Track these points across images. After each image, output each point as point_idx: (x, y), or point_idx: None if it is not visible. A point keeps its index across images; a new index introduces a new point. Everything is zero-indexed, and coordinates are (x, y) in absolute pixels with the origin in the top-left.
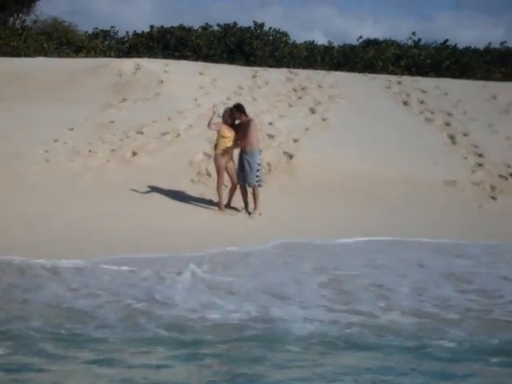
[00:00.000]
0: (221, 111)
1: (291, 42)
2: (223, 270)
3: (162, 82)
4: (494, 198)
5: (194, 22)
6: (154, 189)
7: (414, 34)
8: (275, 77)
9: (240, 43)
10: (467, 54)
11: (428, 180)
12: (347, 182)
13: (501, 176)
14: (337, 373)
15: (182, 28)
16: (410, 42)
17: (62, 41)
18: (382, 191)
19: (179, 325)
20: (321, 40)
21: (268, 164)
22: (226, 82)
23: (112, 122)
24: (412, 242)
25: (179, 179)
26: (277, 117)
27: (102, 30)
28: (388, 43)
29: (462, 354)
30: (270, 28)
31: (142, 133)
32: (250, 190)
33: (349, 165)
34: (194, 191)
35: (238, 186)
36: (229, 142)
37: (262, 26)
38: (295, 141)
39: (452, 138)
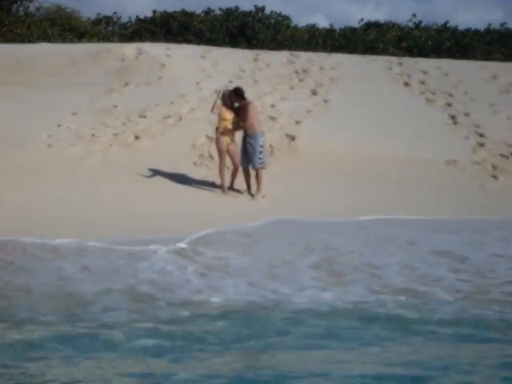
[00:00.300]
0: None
1: (293, 25)
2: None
3: (164, 65)
4: (495, 177)
5: (197, 7)
6: (157, 172)
7: (414, 15)
8: (277, 59)
9: (242, 27)
10: (468, 35)
11: (430, 160)
12: (349, 163)
13: (502, 155)
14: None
15: (184, 13)
16: (410, 24)
17: (66, 27)
18: (383, 171)
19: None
20: (322, 23)
21: (270, 146)
22: (228, 65)
23: (115, 106)
24: (411, 220)
25: (182, 162)
26: (278, 99)
27: (105, 16)
28: (389, 25)
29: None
30: (272, 11)
31: (145, 117)
32: (253, 173)
33: (350, 146)
34: (196, 174)
35: (241, 169)
36: (229, 125)
37: (263, 9)
38: (297, 123)
39: (453, 118)
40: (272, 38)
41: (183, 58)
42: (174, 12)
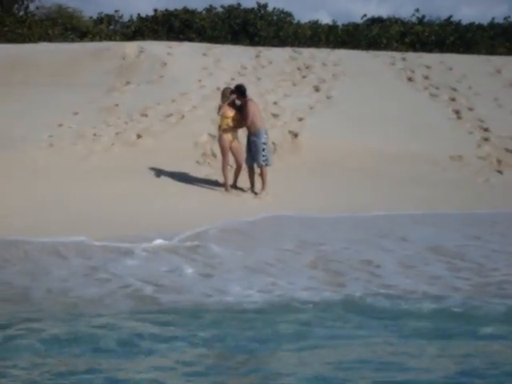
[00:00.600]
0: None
1: (295, 22)
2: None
3: (166, 64)
4: (499, 171)
5: (198, 5)
6: (160, 171)
7: (417, 10)
8: (279, 56)
9: (244, 24)
10: (471, 29)
11: (434, 155)
12: (352, 159)
13: (506, 150)
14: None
15: (186, 11)
16: (413, 19)
17: (67, 27)
18: (387, 167)
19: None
20: (325, 20)
21: (273, 143)
22: (230, 62)
23: (116, 105)
24: (415, 215)
25: (184, 161)
26: (281, 96)
27: (107, 15)
28: (392, 21)
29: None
30: (274, 8)
31: (147, 115)
32: (257, 170)
33: (354, 142)
34: (199, 172)
35: (246, 166)
36: (231, 122)
37: (265, 6)
38: (300, 119)
39: (457, 112)
40: (274, 35)
41: (184, 55)
42: (176, 10)
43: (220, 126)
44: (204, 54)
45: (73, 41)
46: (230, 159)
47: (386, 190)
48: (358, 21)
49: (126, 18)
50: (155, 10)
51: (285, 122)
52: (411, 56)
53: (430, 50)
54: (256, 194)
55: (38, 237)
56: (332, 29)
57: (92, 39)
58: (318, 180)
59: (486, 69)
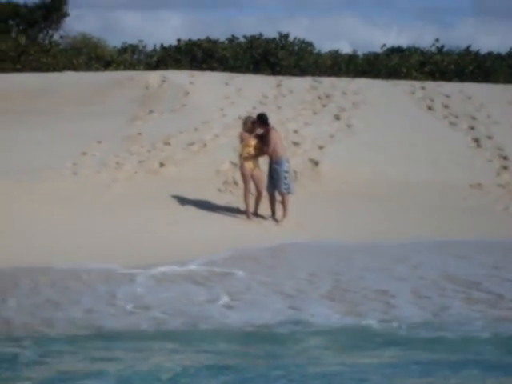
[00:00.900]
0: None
1: (316, 51)
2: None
3: (188, 93)
4: None
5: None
6: (182, 199)
7: (437, 40)
8: (299, 85)
9: (265, 54)
10: (490, 58)
11: (454, 184)
12: (373, 188)
13: None
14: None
15: (208, 40)
16: (433, 49)
17: (92, 56)
18: (407, 196)
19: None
20: (345, 49)
21: (294, 171)
22: (251, 91)
23: (139, 133)
24: (434, 243)
25: (206, 189)
26: (302, 124)
27: (131, 45)
28: (411, 50)
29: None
30: (295, 38)
31: (169, 144)
32: (278, 198)
33: (374, 170)
34: (221, 200)
35: (267, 194)
36: (252, 150)
37: (286, 36)
38: (320, 148)
39: (477, 141)
40: (295, 65)
41: (207, 84)
42: (199, 40)
43: (241, 155)
44: (226, 84)
45: (97, 70)
46: (252, 187)
47: (406, 218)
48: (378, 50)
49: (149, 48)
50: (178, 40)
51: (305, 150)
52: (431, 85)
53: (449, 79)
54: (277, 221)
55: (63, 264)
56: (352, 58)
57: (116, 68)
58: (339, 208)
59: (504, 97)
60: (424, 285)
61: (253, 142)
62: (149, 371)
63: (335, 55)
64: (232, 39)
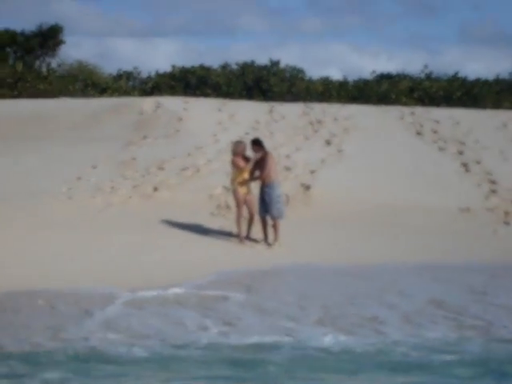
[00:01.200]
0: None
1: (307, 78)
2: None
3: (182, 119)
4: (507, 223)
5: (214, 62)
6: (176, 223)
7: (426, 67)
8: (291, 111)
9: (258, 80)
10: (477, 84)
11: (443, 208)
12: (363, 212)
13: None
14: None
15: (202, 67)
16: (422, 75)
17: (88, 82)
18: (397, 220)
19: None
20: (336, 75)
21: (286, 195)
22: (244, 117)
23: (134, 158)
24: (423, 267)
25: (199, 213)
26: (293, 149)
27: (126, 71)
28: (401, 76)
29: None
30: (287, 65)
31: (163, 168)
32: (270, 222)
33: (364, 194)
34: (214, 224)
35: (259, 218)
36: (245, 174)
37: (278, 63)
38: (312, 172)
39: (465, 165)
40: (287, 91)
41: (200, 110)
42: (192, 67)
43: (234, 180)
44: (219, 110)
45: (93, 96)
46: (244, 211)
47: (396, 242)
48: (368, 76)
49: (144, 75)
50: (173, 67)
51: (297, 174)
52: (420, 111)
53: (437, 105)
54: (269, 245)
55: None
56: (343, 85)
57: (111, 95)
58: (330, 232)
59: (492, 123)
60: (413, 311)
61: (244, 165)
62: None
63: (326, 82)
64: (225, 66)
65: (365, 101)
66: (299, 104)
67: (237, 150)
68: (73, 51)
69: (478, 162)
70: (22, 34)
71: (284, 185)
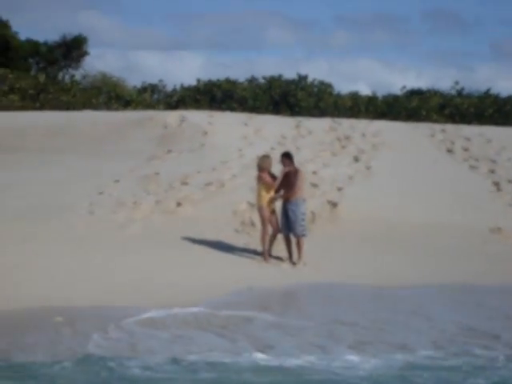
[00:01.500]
0: None
1: (335, 93)
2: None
3: (207, 133)
4: None
5: (241, 75)
6: (199, 239)
7: (457, 83)
8: (318, 126)
9: (285, 95)
10: (510, 102)
11: (473, 228)
12: (391, 231)
13: None
14: None
15: (228, 81)
16: (453, 92)
17: (111, 95)
18: (426, 239)
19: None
20: (364, 91)
21: (312, 213)
22: (270, 132)
23: (157, 173)
24: (453, 289)
25: (223, 229)
26: (320, 166)
27: (151, 84)
28: (431, 93)
29: None
30: (314, 79)
31: (187, 183)
32: (293, 240)
33: (393, 213)
34: (238, 241)
35: (282, 236)
36: (271, 191)
37: (305, 77)
38: (339, 189)
39: (497, 184)
40: (315, 106)
41: (225, 125)
42: (218, 80)
43: (259, 195)
44: (245, 124)
45: (116, 109)
46: (270, 229)
47: (424, 263)
48: (397, 92)
49: (169, 88)
50: (198, 80)
51: (324, 191)
52: (451, 128)
53: (469, 122)
54: (294, 263)
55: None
56: (372, 100)
57: (135, 108)
58: (357, 251)
59: None
60: (443, 337)
61: (270, 181)
62: None
63: (355, 96)
64: (251, 80)
65: (394, 117)
66: (326, 119)
67: (263, 164)
68: (98, 63)
69: (510, 181)
70: (45, 44)
71: (310, 202)
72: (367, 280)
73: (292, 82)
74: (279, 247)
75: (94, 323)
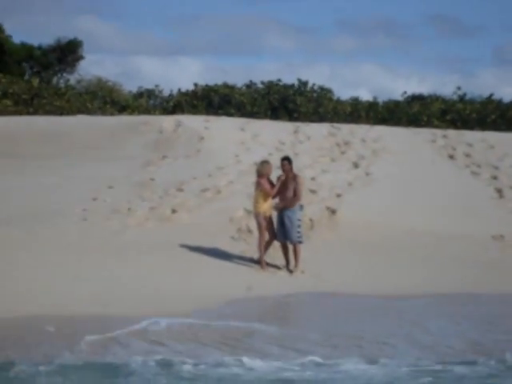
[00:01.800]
0: None
1: (335, 98)
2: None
3: (203, 138)
4: None
5: (239, 81)
6: (194, 247)
7: (459, 88)
8: (317, 132)
9: (283, 100)
10: None
11: (475, 235)
12: (391, 238)
13: None
14: None
15: (225, 86)
16: (455, 97)
17: (106, 100)
18: (426, 247)
19: None
20: (365, 97)
21: (310, 220)
22: (268, 137)
23: (152, 179)
24: (455, 298)
25: (219, 236)
26: (319, 172)
27: (147, 89)
28: (433, 98)
29: None
30: (314, 84)
31: (182, 190)
32: (290, 247)
33: (393, 220)
34: (234, 249)
35: (279, 243)
36: (269, 198)
37: (305, 83)
38: (338, 196)
39: (499, 191)
40: (314, 111)
41: (222, 130)
42: (216, 85)
43: (258, 202)
44: (242, 129)
45: (112, 114)
46: (267, 236)
47: (424, 271)
48: (399, 98)
49: (166, 93)
50: (195, 85)
51: (322, 198)
52: (452, 133)
53: (471, 128)
54: (291, 271)
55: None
56: (372, 105)
57: (131, 113)
58: (356, 259)
59: None
60: (443, 351)
61: (268, 187)
62: None
63: (355, 102)
64: (250, 85)
65: (395, 123)
66: (326, 124)
67: (263, 170)
68: (94, 69)
69: None
70: (40, 48)
71: (309, 208)
72: (366, 289)
73: (291, 87)
74: (276, 254)
75: (86, 332)
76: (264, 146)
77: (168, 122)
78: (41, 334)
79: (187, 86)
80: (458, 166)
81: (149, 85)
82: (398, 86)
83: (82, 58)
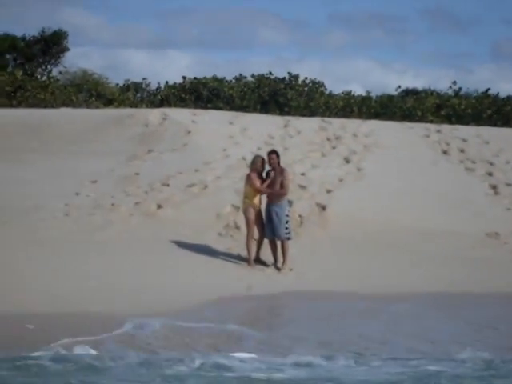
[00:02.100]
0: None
1: (327, 92)
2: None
3: (190, 132)
4: None
5: (228, 74)
6: (180, 243)
7: (454, 83)
8: (308, 126)
9: (274, 94)
10: (509, 103)
11: (469, 232)
12: (383, 235)
13: None
14: None
15: (214, 79)
16: (450, 92)
17: (92, 93)
18: (419, 244)
19: None
20: (358, 92)
21: (300, 216)
22: (257, 131)
23: (137, 173)
24: (449, 298)
25: (206, 233)
26: (309, 167)
27: (134, 82)
28: (427, 93)
29: None
30: (306, 78)
31: (168, 185)
32: (278, 244)
33: (385, 216)
34: (221, 245)
35: (267, 240)
36: (257, 194)
37: (296, 76)
38: (328, 191)
39: (494, 187)
40: (305, 106)
41: (210, 123)
42: (204, 78)
43: (247, 198)
44: (230, 123)
45: (97, 108)
46: (255, 232)
47: (417, 269)
48: (392, 92)
49: (153, 86)
50: (183, 78)
51: (312, 193)
52: (446, 128)
53: (466, 123)
54: (279, 269)
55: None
56: (365, 100)
57: (117, 107)
58: (346, 255)
59: None
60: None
61: (258, 182)
62: None
63: (347, 96)
64: (239, 78)
65: (388, 118)
66: (316, 119)
67: (255, 164)
68: (81, 61)
69: (508, 185)
70: (23, 39)
71: (298, 204)
72: (356, 288)
73: (282, 80)
74: (265, 251)
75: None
76: (253, 140)
77: (154, 115)
78: (20, 331)
79: (176, 79)
80: (452, 161)
81: (137, 78)
82: (392, 81)
83: (66, 49)
